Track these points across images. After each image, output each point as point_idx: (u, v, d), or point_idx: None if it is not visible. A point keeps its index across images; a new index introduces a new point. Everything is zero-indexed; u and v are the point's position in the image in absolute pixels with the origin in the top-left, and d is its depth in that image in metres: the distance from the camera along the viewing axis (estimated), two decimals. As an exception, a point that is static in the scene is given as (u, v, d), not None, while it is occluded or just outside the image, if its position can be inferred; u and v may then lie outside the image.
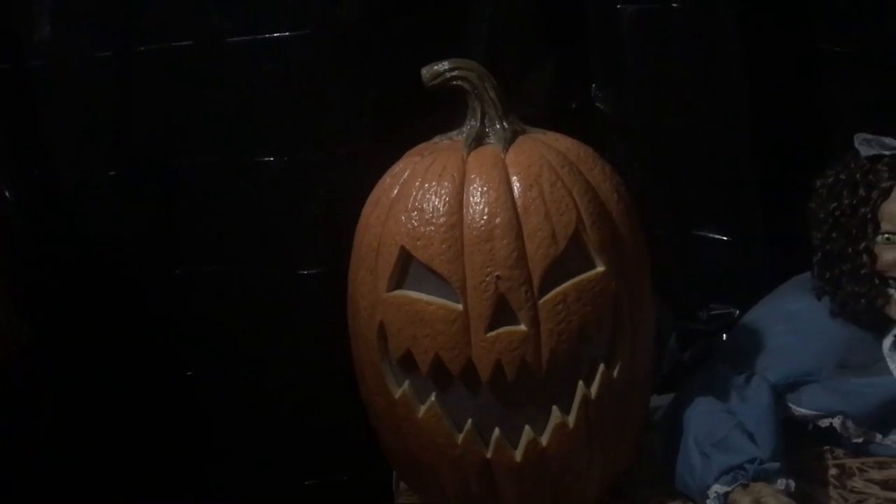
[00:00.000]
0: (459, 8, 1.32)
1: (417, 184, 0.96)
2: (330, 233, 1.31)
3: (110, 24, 1.28)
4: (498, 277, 0.92)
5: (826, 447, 1.10)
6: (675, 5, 1.30)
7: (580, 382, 0.96)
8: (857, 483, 1.04)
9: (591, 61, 1.40)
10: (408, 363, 0.97)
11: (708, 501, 0.96)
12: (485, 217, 0.93)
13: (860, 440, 1.08)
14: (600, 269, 0.95)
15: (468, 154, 0.98)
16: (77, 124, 1.33)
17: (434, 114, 1.21)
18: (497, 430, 0.96)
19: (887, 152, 1.08)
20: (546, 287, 0.93)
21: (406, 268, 0.95)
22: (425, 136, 1.09)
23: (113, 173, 1.34)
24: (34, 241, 1.37)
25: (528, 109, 1.09)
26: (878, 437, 1.08)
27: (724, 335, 1.37)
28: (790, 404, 1.09)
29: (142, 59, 1.29)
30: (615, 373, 0.97)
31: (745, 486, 0.95)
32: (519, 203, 0.93)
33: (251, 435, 1.43)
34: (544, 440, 0.96)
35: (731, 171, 1.35)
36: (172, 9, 1.27)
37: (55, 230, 1.37)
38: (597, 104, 1.41)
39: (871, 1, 1.23)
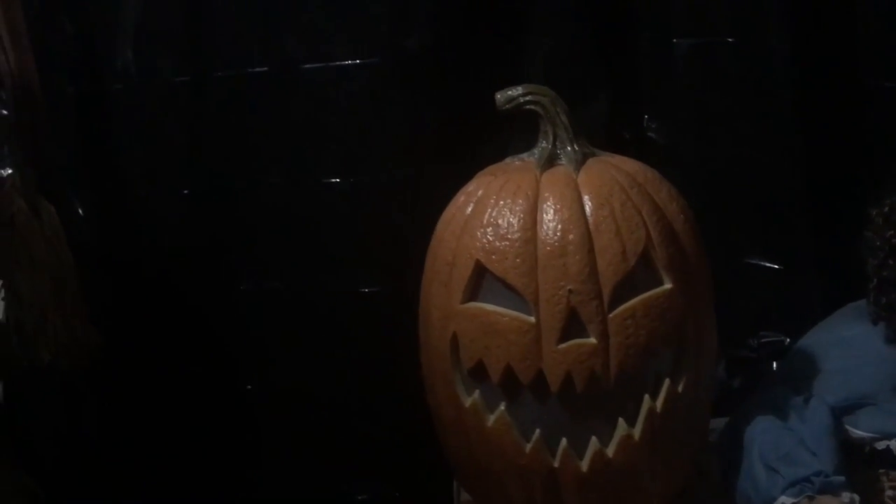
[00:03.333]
0: (520, 39, 1.38)
1: (492, 201, 1.01)
2: (390, 252, 1.36)
3: (189, 51, 1.35)
4: (570, 291, 0.96)
5: (882, 470, 1.11)
6: (730, 40, 1.34)
7: (646, 396, 0.99)
8: (915, 505, 1.06)
9: (645, 93, 1.44)
10: (479, 373, 1.00)
11: (773, 513, 0.98)
12: (558, 233, 0.97)
13: (917, 463, 1.09)
14: (668, 286, 0.98)
15: (541, 174, 1.02)
16: (153, 145, 1.39)
17: (491, 139, 1.27)
18: (564, 441, 0.99)
19: (943, 181, 1.11)
20: (616, 302, 0.97)
21: (480, 281, 0.99)
22: (482, 158, 1.13)
23: (185, 192, 1.40)
24: (105, 255, 1.42)
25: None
26: (935, 460, 1.09)
27: (774, 363, 1.40)
28: (847, 426, 1.10)
29: (218, 84, 1.35)
30: (680, 388, 1.00)
31: (811, 498, 0.97)
32: (591, 221, 0.97)
33: (307, 450, 1.46)
34: (610, 451, 0.99)
35: (782, 200, 1.38)
36: (249, 37, 1.34)
37: (125, 245, 1.43)
38: (649, 134, 1.45)
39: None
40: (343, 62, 1.32)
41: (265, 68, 1.34)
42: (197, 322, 1.43)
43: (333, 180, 1.37)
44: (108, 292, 1.42)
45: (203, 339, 1.43)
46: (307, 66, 1.33)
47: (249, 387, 1.45)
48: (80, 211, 1.42)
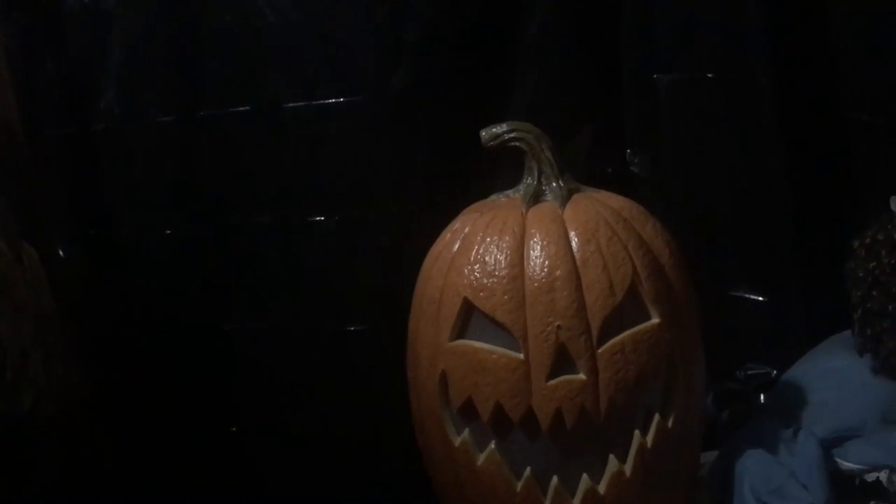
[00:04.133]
0: (504, 77, 1.39)
1: (479, 238, 1.01)
2: (377, 290, 1.36)
3: (173, 90, 1.35)
4: (559, 327, 0.96)
5: (873, 502, 1.11)
6: (710, 75, 1.36)
7: (636, 431, 0.98)
8: (906, 536, 1.06)
9: (628, 128, 1.46)
10: (468, 411, 1.00)
11: (767, 548, 0.97)
12: (545, 269, 0.97)
13: (907, 494, 1.09)
14: (655, 320, 0.98)
15: (527, 210, 1.02)
16: (136, 185, 1.38)
17: (478, 177, 1.27)
18: (555, 479, 0.98)
19: (923, 213, 1.12)
20: (604, 337, 0.96)
21: (468, 318, 0.99)
22: (469, 197, 1.14)
23: (169, 232, 1.39)
24: (89, 296, 1.41)
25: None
26: (925, 491, 1.09)
27: (762, 395, 1.40)
28: (836, 458, 1.10)
29: (202, 124, 1.35)
30: (670, 422, 0.99)
31: (803, 531, 0.96)
32: (578, 256, 0.98)
33: (293, 491, 1.44)
34: (602, 489, 0.98)
35: (766, 233, 1.39)
36: (233, 76, 1.34)
37: (109, 287, 1.42)
38: (632, 168, 1.46)
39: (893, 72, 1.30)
40: (327, 101, 1.33)
41: (247, 107, 1.34)
42: (181, 362, 1.41)
43: (319, 218, 1.37)
44: (93, 334, 1.40)
45: (187, 379, 1.42)
46: (291, 104, 1.33)
47: (234, 428, 1.44)
48: (61, 253, 1.41)
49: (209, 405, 1.42)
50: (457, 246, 1.02)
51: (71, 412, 1.26)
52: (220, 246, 1.39)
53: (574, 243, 0.98)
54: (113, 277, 1.42)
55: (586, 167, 1.40)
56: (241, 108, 1.34)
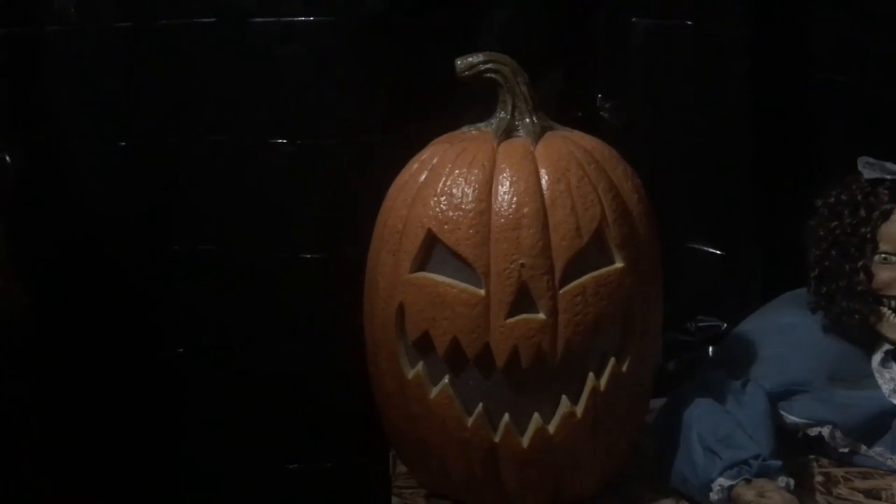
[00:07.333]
0: (476, 13, 1.35)
1: (447, 170, 0.98)
2: (335, 218, 1.33)
3: (133, -5, 1.29)
4: (522, 265, 0.94)
5: (812, 456, 1.14)
6: (689, 23, 1.34)
7: (591, 374, 0.98)
8: (843, 490, 1.08)
9: (599, 72, 1.44)
10: (424, 345, 0.98)
11: (711, 495, 0.99)
12: (513, 206, 0.95)
13: (846, 450, 1.12)
14: (619, 265, 0.97)
15: (498, 145, 1.00)
16: (90, 93, 1.32)
17: (444, 110, 1.24)
18: (506, 416, 0.98)
19: (889, 176, 1.12)
20: (567, 278, 0.96)
21: (430, 251, 0.97)
22: (434, 129, 1.11)
23: (123, 144, 1.34)
24: (34, 208, 1.35)
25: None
26: (863, 448, 1.12)
27: (710, 348, 1.42)
28: (782, 412, 1.12)
29: (162, 33, 1.29)
30: (624, 367, 0.99)
31: (748, 481, 0.98)
32: (547, 195, 0.96)
33: (237, 417, 1.42)
34: (552, 428, 0.98)
35: (727, 187, 1.39)
36: (197, -16, 1.28)
37: (56, 198, 1.36)
38: (601, 114, 1.44)
39: (867, 36, 1.29)
40: (296, 18, 1.28)
41: (212, 19, 1.28)
42: (127, 281, 1.37)
43: (280, 141, 1.33)
44: (36, 247, 1.35)
45: (132, 298, 1.38)
46: (257, 19, 1.28)
47: (180, 349, 1.41)
48: (8, 158, 1.35)
49: (154, 327, 1.39)
50: (424, 176, 1.00)
51: (9, 323, 1.22)
52: (173, 162, 1.34)
53: (544, 181, 0.96)
54: (60, 188, 1.36)
55: (556, 110, 1.38)
56: (206, 20, 1.29)
